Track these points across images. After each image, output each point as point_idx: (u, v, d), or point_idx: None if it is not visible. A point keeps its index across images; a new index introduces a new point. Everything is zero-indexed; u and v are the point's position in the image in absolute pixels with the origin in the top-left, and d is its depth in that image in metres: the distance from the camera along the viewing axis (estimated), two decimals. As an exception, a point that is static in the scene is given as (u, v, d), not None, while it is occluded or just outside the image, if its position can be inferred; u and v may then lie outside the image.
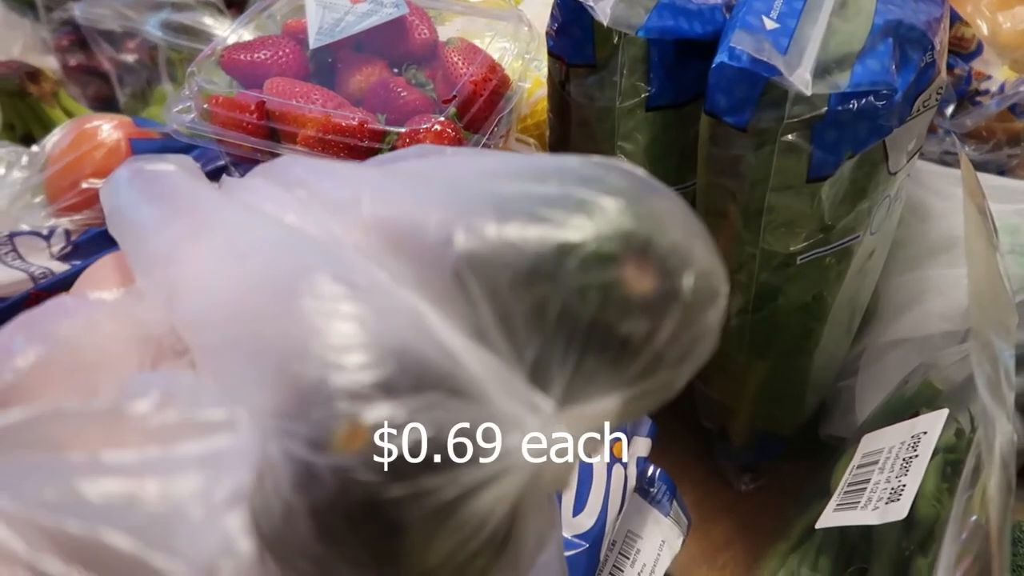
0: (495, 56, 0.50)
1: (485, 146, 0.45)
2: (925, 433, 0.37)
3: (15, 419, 0.20)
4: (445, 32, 0.54)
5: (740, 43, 0.36)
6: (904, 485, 0.35)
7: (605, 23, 0.39)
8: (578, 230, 0.19)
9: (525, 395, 0.19)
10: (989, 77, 0.61)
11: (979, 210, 0.39)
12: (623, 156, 0.45)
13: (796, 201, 0.41)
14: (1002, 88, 0.60)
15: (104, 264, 0.28)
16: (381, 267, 0.20)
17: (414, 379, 0.18)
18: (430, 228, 0.20)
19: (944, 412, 0.37)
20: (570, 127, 0.46)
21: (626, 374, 0.20)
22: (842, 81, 0.36)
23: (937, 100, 0.44)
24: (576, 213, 0.19)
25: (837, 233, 0.43)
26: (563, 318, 0.19)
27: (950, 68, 0.61)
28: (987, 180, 0.59)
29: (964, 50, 0.61)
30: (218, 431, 0.20)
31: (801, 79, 0.35)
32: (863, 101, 0.37)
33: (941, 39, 0.42)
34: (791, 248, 0.42)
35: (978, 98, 0.61)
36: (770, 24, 0.37)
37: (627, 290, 0.19)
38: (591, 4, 0.39)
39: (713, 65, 0.38)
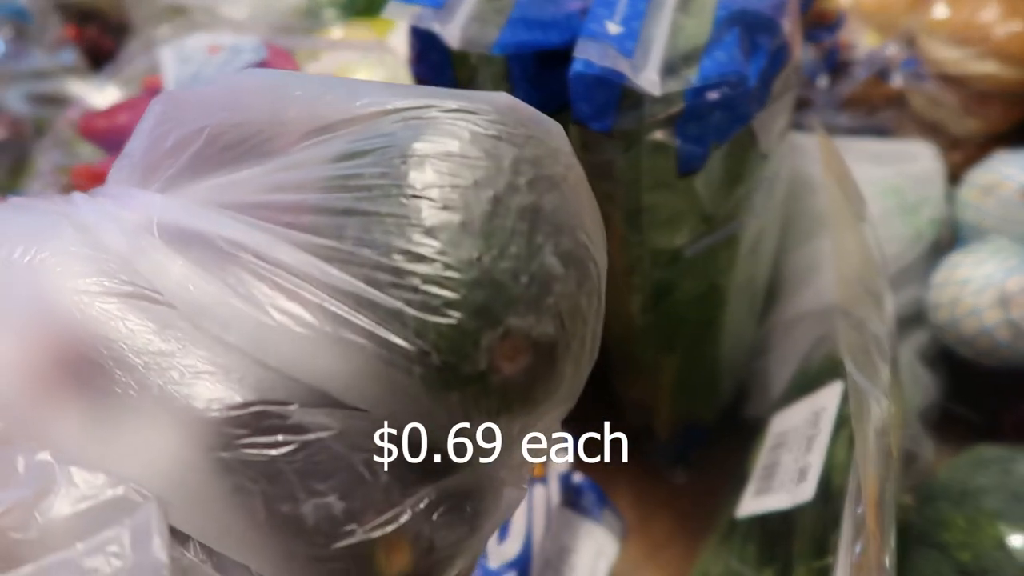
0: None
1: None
2: (824, 409, 0.37)
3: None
4: (318, 70, 0.53)
5: (585, 52, 0.36)
6: (809, 464, 0.36)
7: (454, 47, 0.38)
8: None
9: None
10: (855, 46, 0.63)
11: (839, 183, 0.40)
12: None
13: (672, 197, 0.41)
14: (869, 54, 0.62)
15: None
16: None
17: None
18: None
19: (839, 385, 0.37)
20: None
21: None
22: (693, 76, 0.37)
23: (796, 79, 0.45)
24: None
25: (720, 222, 0.43)
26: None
27: (817, 42, 0.62)
28: (868, 145, 0.61)
29: (828, 23, 0.62)
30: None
31: (648, 80, 0.35)
32: (718, 92, 0.38)
33: (791, 20, 0.43)
34: (676, 243, 0.43)
35: (851, 67, 0.63)
36: (614, 29, 0.37)
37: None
38: (437, 30, 0.38)
39: (570, 75, 0.38)
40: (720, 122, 0.39)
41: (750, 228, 0.45)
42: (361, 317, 0.19)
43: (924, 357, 0.54)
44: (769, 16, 0.40)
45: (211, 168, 0.22)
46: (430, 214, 0.20)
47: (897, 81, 0.61)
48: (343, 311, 0.19)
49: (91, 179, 0.44)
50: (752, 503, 0.39)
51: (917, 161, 0.57)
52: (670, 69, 0.36)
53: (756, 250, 0.48)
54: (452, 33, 0.38)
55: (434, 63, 0.42)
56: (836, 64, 0.62)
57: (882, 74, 0.62)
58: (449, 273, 0.20)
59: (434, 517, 0.20)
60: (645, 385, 0.51)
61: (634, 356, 0.49)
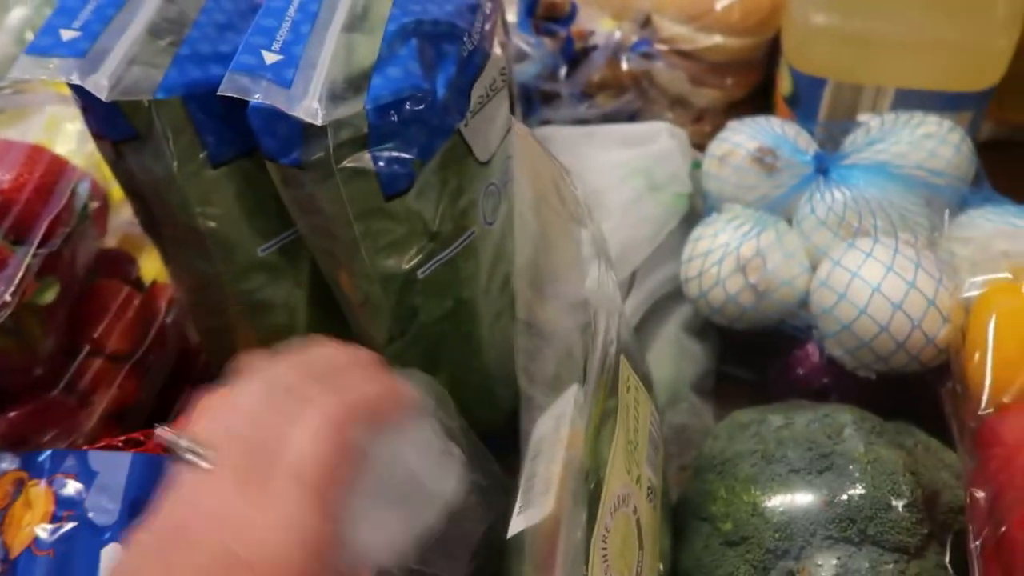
0: (67, 146, 0.44)
1: (49, 254, 0.39)
2: (564, 415, 0.37)
3: None
4: (18, 132, 0.47)
5: (233, 89, 0.33)
6: (553, 473, 0.35)
7: (104, 98, 0.34)
8: None
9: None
10: (592, 32, 0.64)
11: (540, 194, 0.39)
12: (210, 222, 0.41)
13: (387, 221, 0.39)
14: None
15: None
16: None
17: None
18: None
19: (573, 390, 0.37)
20: (149, 205, 0.42)
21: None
22: (364, 98, 0.35)
23: (504, 80, 0.44)
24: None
25: (448, 237, 0.42)
26: None
27: (552, 34, 0.63)
28: (613, 130, 0.62)
29: (560, 15, 0.63)
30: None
31: (308, 111, 0.33)
32: (401, 110, 0.36)
33: (483, 20, 0.42)
34: (405, 266, 0.41)
35: (592, 55, 0.64)
36: (271, 57, 0.34)
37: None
38: (79, 82, 0.34)
39: (248, 111, 0.36)
40: (417, 138, 0.38)
41: (487, 235, 0.44)
42: None
43: (691, 329, 0.56)
44: (451, 22, 0.39)
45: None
46: None
47: (627, 63, 0.62)
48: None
49: None
50: (517, 521, 0.38)
51: (657, 140, 0.59)
52: (337, 94, 0.34)
53: (502, 257, 0.47)
54: (99, 83, 0.34)
55: (103, 114, 0.38)
56: (574, 54, 0.63)
57: (616, 57, 0.63)
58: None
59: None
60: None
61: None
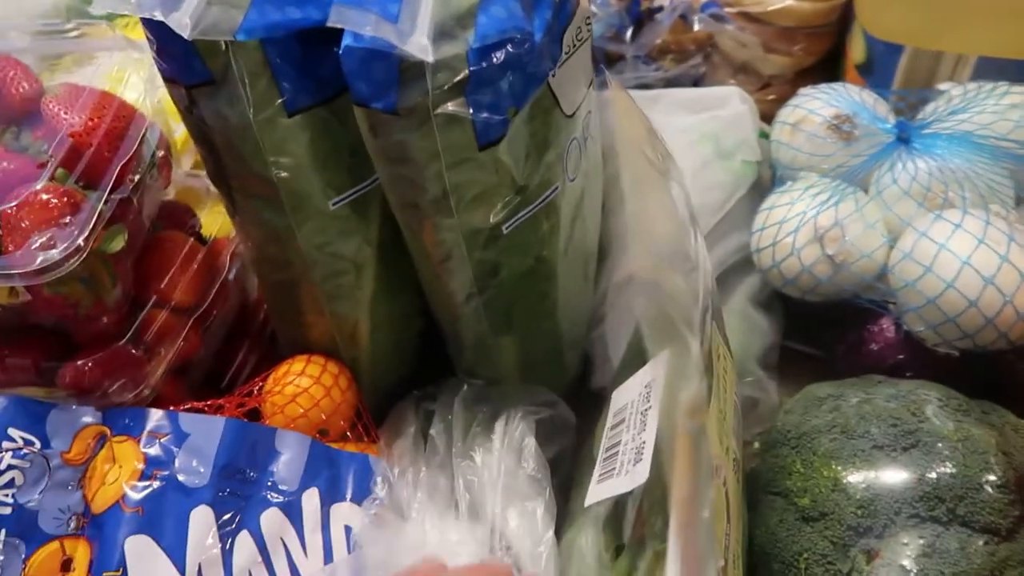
0: (133, 94, 0.43)
1: (119, 201, 0.38)
2: (655, 381, 0.35)
3: None
4: (82, 77, 0.46)
5: (342, 21, 0.31)
6: (644, 442, 0.34)
7: (187, 36, 0.33)
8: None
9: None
10: (659, -8, 0.62)
11: (637, 141, 0.38)
12: (282, 172, 0.39)
13: (478, 172, 0.38)
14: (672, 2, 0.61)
15: None
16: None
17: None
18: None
19: (664, 355, 0.36)
20: (220, 154, 0.40)
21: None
22: (470, 37, 0.33)
23: (589, 31, 0.42)
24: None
25: (534, 192, 0.40)
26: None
27: (619, -8, 0.60)
28: (679, 94, 0.60)
29: (628, -28, 0.61)
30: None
31: (418, 46, 0.32)
32: (503, 52, 0.34)
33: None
34: (492, 220, 0.40)
35: (657, 16, 0.62)
36: (376, -8, 0.32)
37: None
38: (161, 19, 0.33)
39: (340, 51, 0.34)
40: (513, 85, 0.36)
41: (568, 193, 0.43)
42: None
43: (757, 301, 0.54)
44: (549, -36, 0.37)
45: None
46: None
47: (698, 24, 0.60)
48: None
49: None
50: (598, 489, 0.37)
51: (726, 105, 0.57)
52: (443, 31, 0.33)
53: (579, 215, 0.45)
54: (181, 21, 0.33)
55: (179, 56, 0.36)
56: (640, 14, 0.61)
57: (685, 19, 0.61)
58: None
59: None
60: (490, 366, 0.49)
61: (474, 341, 0.46)
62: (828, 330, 0.54)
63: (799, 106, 0.55)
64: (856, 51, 0.62)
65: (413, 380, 0.51)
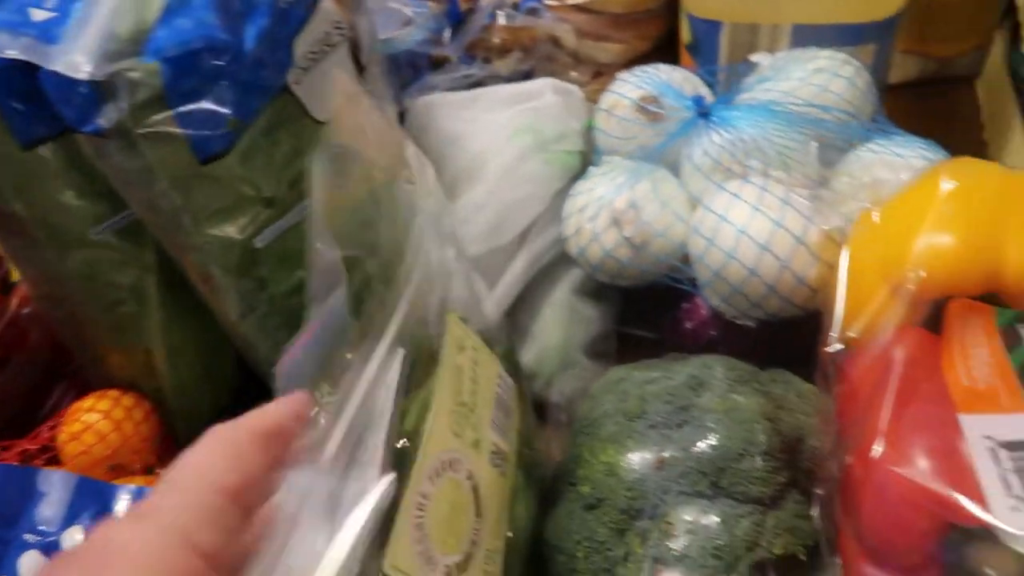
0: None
1: None
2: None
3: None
4: None
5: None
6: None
7: None
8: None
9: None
10: (481, -7, 0.62)
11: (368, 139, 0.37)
12: (28, 205, 0.39)
13: (211, 187, 0.38)
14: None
15: None
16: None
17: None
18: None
19: (400, 352, 0.35)
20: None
21: None
22: (149, 50, 0.33)
23: (341, 35, 0.42)
24: None
25: (288, 201, 0.40)
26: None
27: (435, -3, 0.60)
28: (496, 91, 0.60)
29: (443, -24, 0.61)
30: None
31: (69, 64, 0.32)
32: (199, 63, 0.34)
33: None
34: (238, 236, 0.39)
35: (473, 16, 0.61)
36: (41, 15, 0.33)
37: None
38: None
39: (40, 77, 0.34)
40: (227, 96, 0.36)
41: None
42: None
43: (584, 291, 0.54)
44: (257, -26, 0.37)
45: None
46: None
47: (511, 20, 0.60)
48: None
49: None
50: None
51: (541, 96, 0.56)
52: (113, 48, 0.33)
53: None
54: None
55: None
56: (460, 16, 0.60)
57: (509, 16, 0.61)
58: None
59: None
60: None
61: (262, 356, 0.46)
62: (661, 313, 0.53)
63: (612, 91, 0.55)
64: (684, 32, 0.62)
65: (242, 402, 0.50)
